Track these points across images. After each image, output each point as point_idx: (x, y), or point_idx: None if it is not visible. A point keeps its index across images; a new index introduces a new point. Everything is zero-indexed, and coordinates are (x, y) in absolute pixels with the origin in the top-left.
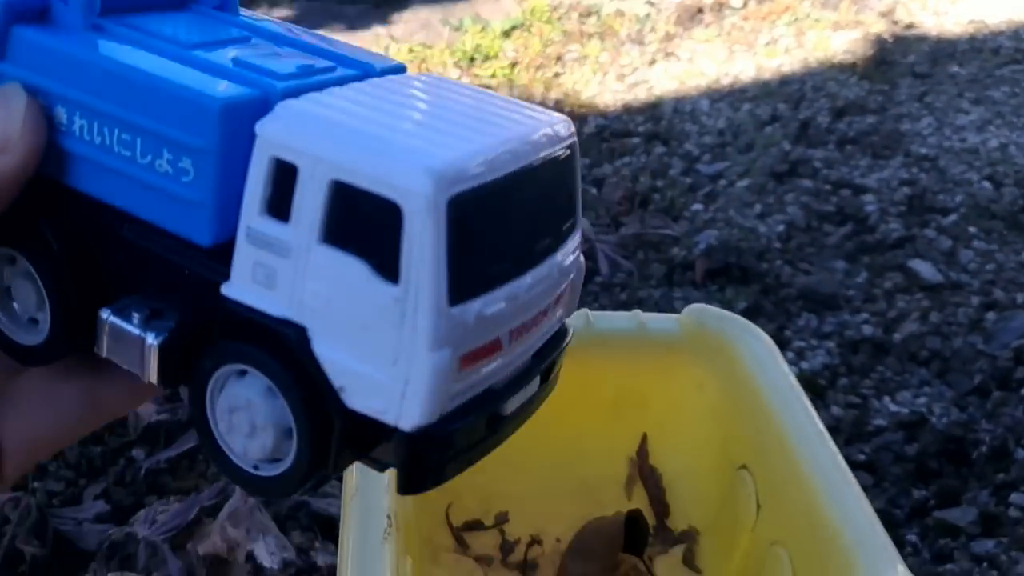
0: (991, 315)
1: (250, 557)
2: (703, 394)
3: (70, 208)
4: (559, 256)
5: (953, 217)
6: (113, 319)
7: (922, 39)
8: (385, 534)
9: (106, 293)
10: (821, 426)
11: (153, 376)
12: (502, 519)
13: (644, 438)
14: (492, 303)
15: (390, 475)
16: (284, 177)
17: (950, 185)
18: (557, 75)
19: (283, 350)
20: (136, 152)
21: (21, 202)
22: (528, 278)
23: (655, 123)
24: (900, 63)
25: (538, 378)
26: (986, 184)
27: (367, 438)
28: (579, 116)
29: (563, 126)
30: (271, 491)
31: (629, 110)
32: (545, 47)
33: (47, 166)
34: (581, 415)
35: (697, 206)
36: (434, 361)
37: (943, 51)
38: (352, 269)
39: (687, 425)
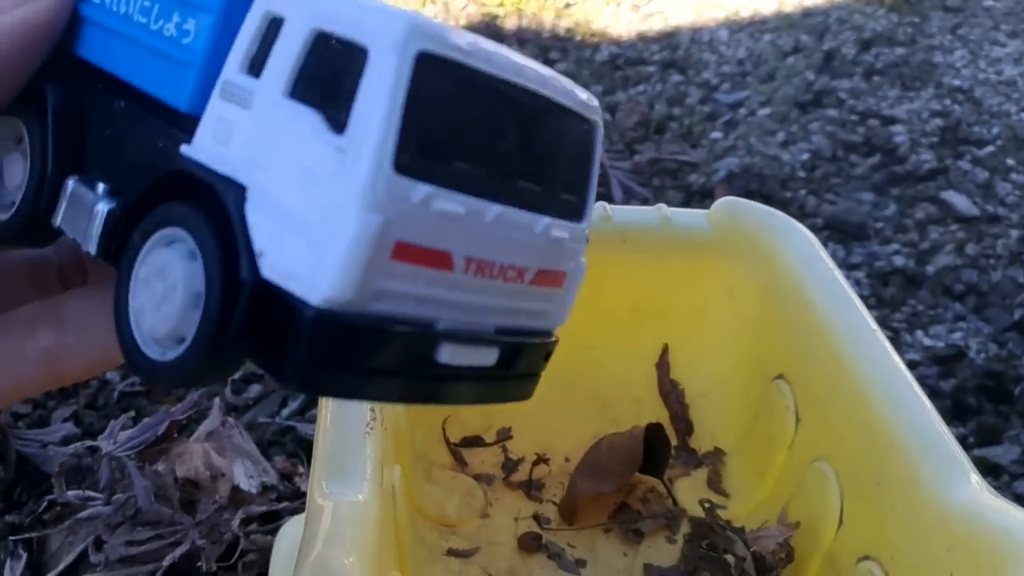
0: None
1: (222, 475)
2: (733, 299)
3: (76, 78)
4: (548, 221)
5: (990, 149)
6: (76, 185)
7: None
8: (367, 428)
9: (82, 169)
10: (874, 325)
11: (93, 244)
12: (505, 435)
13: (665, 349)
14: (447, 200)
15: None
16: (270, 31)
17: (986, 117)
18: (568, 5)
19: (217, 209)
20: (151, 18)
21: (43, 70)
22: (498, 208)
23: (671, 52)
24: None
25: (496, 352)
26: None
27: (272, 320)
28: (591, 45)
29: (587, 95)
30: (170, 376)
31: (644, 39)
32: None
33: (68, 39)
34: (595, 322)
35: (716, 134)
36: (362, 223)
37: None
38: (307, 121)
39: (714, 334)
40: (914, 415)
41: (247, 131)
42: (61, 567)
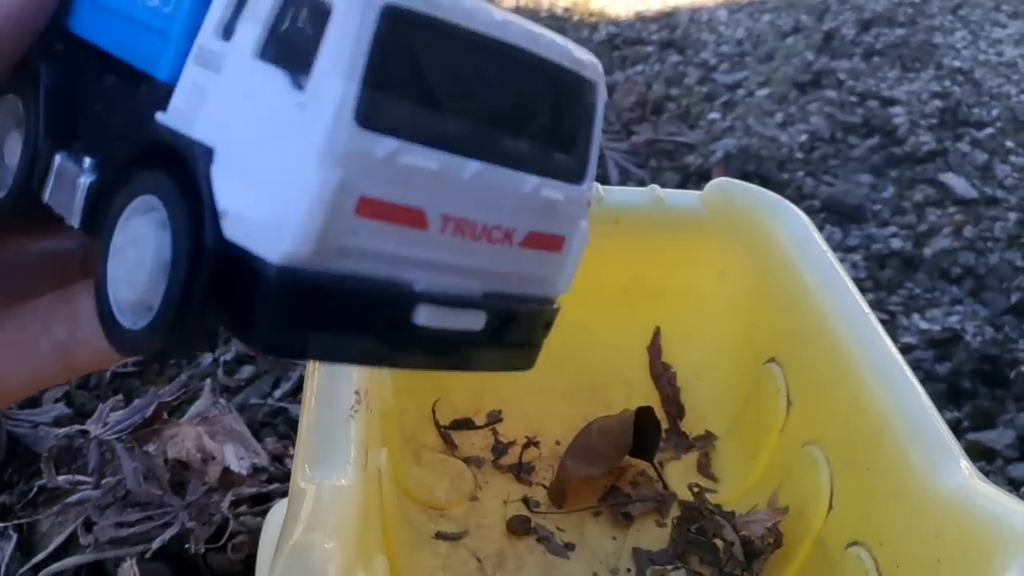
0: None
1: (213, 459)
2: (725, 281)
3: (70, 56)
4: (539, 181)
5: (989, 131)
6: (63, 160)
7: None
8: (352, 411)
9: (71, 145)
10: (867, 308)
11: (76, 217)
12: (495, 418)
13: (657, 331)
14: (416, 155)
15: None
16: None
17: (986, 98)
18: None
19: (186, 174)
20: None
21: (38, 46)
22: (477, 165)
23: (670, 32)
24: None
25: (484, 317)
26: None
27: (236, 283)
28: (589, 24)
29: (585, 54)
30: (140, 344)
31: (642, 19)
32: None
33: (62, 15)
34: (586, 304)
35: (714, 115)
36: (321, 178)
37: None
38: (273, 81)
39: (707, 316)
40: (905, 400)
41: (218, 95)
42: (51, 548)
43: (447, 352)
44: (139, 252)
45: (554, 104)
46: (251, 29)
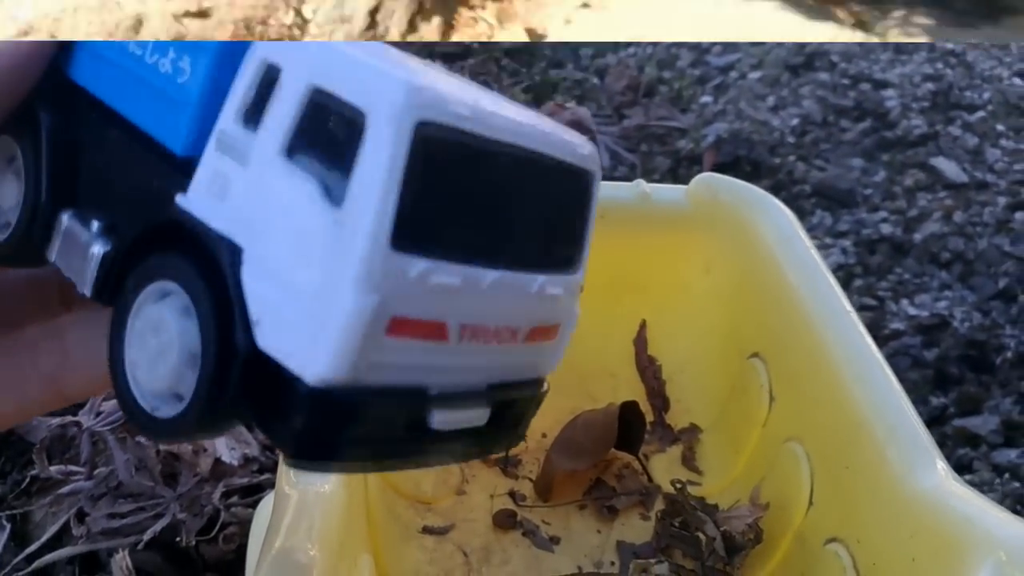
0: (1019, 216)
1: (204, 451)
2: (710, 276)
3: (71, 104)
4: (543, 280)
5: (980, 114)
6: (71, 221)
7: None
8: None
9: (76, 201)
10: (849, 306)
11: (88, 287)
12: None
13: (643, 325)
14: (443, 273)
15: None
16: (268, 81)
17: (978, 81)
18: None
19: (212, 268)
20: (147, 51)
21: (36, 92)
22: (494, 274)
23: None
24: None
25: (487, 411)
26: (1017, 81)
27: (267, 390)
28: None
29: (586, 147)
30: (166, 434)
31: None
32: None
33: (63, 63)
34: None
35: (706, 98)
36: (359, 304)
37: None
38: (303, 189)
39: (691, 310)
40: (884, 400)
41: (244, 189)
42: (44, 538)
43: (455, 447)
44: (162, 340)
45: (558, 201)
46: (278, 123)
